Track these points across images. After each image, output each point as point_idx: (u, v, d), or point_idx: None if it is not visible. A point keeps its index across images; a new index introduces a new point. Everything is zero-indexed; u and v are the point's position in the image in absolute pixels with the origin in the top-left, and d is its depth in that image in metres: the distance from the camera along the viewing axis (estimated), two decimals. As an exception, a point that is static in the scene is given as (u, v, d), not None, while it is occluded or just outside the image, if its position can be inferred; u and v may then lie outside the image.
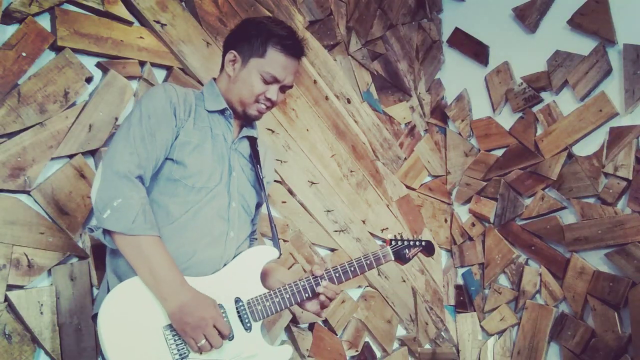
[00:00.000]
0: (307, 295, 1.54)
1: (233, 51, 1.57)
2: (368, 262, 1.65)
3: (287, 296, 1.51)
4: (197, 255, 1.44)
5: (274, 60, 1.53)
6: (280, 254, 1.58)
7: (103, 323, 1.28)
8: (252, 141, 1.67)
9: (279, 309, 1.50)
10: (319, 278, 1.56)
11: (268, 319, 2.25)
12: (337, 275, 1.59)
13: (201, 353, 1.33)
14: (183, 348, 1.33)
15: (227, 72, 1.59)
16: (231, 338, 1.38)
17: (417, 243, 1.79)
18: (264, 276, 1.58)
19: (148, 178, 1.42)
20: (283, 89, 1.60)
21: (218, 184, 1.51)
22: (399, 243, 1.75)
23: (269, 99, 1.56)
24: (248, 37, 1.55)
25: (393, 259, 1.72)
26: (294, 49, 1.57)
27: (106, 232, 1.35)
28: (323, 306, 1.57)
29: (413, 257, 1.78)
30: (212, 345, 1.32)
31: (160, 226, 1.41)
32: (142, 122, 1.41)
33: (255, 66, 1.53)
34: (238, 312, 1.43)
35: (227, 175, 1.54)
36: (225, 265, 1.49)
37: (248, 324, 1.43)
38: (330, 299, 1.56)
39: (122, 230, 1.31)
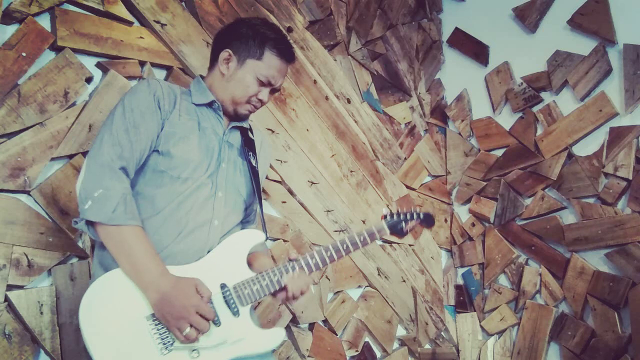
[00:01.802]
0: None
1: (228, 50, 1.58)
2: (362, 238, 1.61)
3: (276, 279, 1.48)
4: (179, 243, 1.43)
5: (271, 64, 1.56)
6: (267, 237, 1.56)
7: (83, 315, 1.27)
8: (244, 132, 1.66)
9: (267, 292, 1.47)
10: (305, 257, 1.54)
11: (267, 318, 2.26)
12: (329, 254, 1.56)
13: (189, 341, 1.32)
14: (167, 337, 1.32)
15: (220, 70, 1.59)
16: (218, 324, 1.37)
17: (415, 215, 1.70)
18: (249, 263, 1.56)
19: (132, 170, 1.42)
20: (272, 91, 1.63)
21: (203, 175, 1.50)
22: (394, 217, 1.68)
23: (260, 100, 1.59)
24: (244, 37, 1.57)
25: (389, 233, 1.66)
26: (288, 53, 1.60)
27: (89, 223, 1.35)
28: (293, 296, 1.51)
29: (411, 230, 1.70)
30: (198, 331, 1.31)
31: (145, 217, 1.41)
32: (125, 115, 1.41)
33: (252, 68, 1.56)
34: (224, 297, 1.41)
35: (215, 166, 1.53)
36: (209, 252, 1.48)
37: (235, 309, 1.41)
38: (294, 295, 1.50)
39: (103, 220, 1.31)
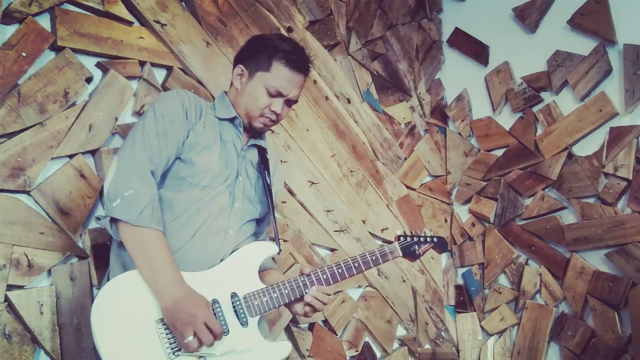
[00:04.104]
0: (307, 291, 1.53)
1: (241, 65, 1.64)
2: (374, 258, 1.63)
3: (286, 292, 1.50)
4: (194, 248, 1.46)
5: (279, 74, 1.58)
6: (280, 250, 1.58)
7: (96, 314, 1.29)
8: (261, 150, 1.70)
9: (276, 305, 1.49)
10: (316, 272, 1.55)
11: (268, 318, 2.25)
12: (340, 271, 1.57)
13: (188, 350, 1.32)
14: (174, 342, 1.33)
15: (234, 86, 1.65)
16: (226, 333, 1.38)
17: (428, 239, 1.75)
18: (261, 279, 1.57)
19: (159, 175, 1.46)
20: (288, 103, 1.64)
21: (222, 185, 1.54)
22: (408, 239, 1.72)
23: (273, 112, 1.61)
24: (255, 52, 1.61)
25: (401, 255, 1.69)
26: (299, 63, 1.61)
27: (113, 221, 1.38)
28: (314, 310, 1.53)
29: (423, 253, 1.74)
30: (201, 342, 1.31)
31: (164, 221, 1.43)
32: (157, 120, 1.46)
33: (261, 79, 1.59)
34: (234, 306, 1.43)
35: (233, 177, 1.57)
36: (222, 260, 1.50)
37: (244, 319, 1.42)
38: (319, 305, 1.52)
39: (129, 220, 1.34)
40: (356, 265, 1.60)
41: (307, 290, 1.52)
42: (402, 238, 1.71)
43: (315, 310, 1.53)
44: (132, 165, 1.39)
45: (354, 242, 2.70)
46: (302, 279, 1.53)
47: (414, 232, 1.75)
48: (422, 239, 1.74)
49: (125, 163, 1.39)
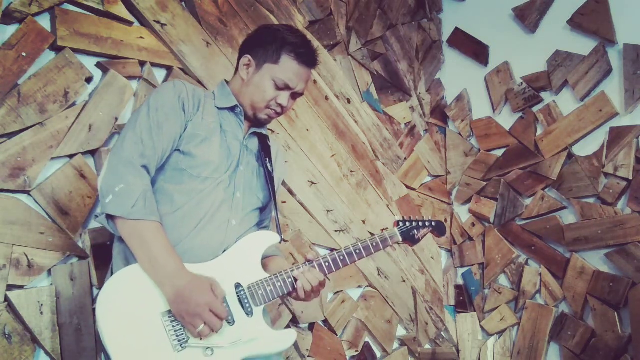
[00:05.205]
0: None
1: (248, 55, 1.61)
2: (374, 243, 1.64)
3: (290, 280, 1.50)
4: (196, 240, 1.46)
5: (287, 68, 1.57)
6: (282, 239, 1.58)
7: (101, 309, 1.29)
8: (262, 138, 1.69)
9: (280, 294, 1.49)
10: (318, 259, 1.54)
11: (270, 316, 2.26)
12: (341, 257, 1.58)
13: (201, 338, 1.33)
14: (182, 334, 1.34)
15: (240, 76, 1.62)
16: (232, 323, 1.39)
17: (427, 223, 1.76)
18: (264, 266, 1.58)
19: (153, 168, 1.44)
20: (294, 95, 1.63)
21: (223, 175, 1.53)
22: (407, 224, 1.73)
23: (279, 105, 1.60)
24: (263, 43, 1.60)
25: (401, 240, 1.70)
26: (307, 57, 1.60)
27: (109, 217, 1.38)
28: (299, 296, 1.51)
29: (423, 237, 1.75)
30: (211, 329, 1.32)
31: (164, 214, 1.43)
32: (150, 114, 1.45)
33: (268, 72, 1.58)
34: (238, 297, 1.43)
35: (233, 167, 1.56)
36: (225, 251, 1.50)
37: (249, 309, 1.43)
38: (308, 286, 1.49)
39: (122, 215, 1.34)
40: (357, 251, 1.61)
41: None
42: (401, 223, 1.72)
43: (305, 292, 1.49)
44: (122, 160, 1.37)
45: (354, 242, 2.69)
46: (304, 265, 1.53)
47: (412, 217, 1.75)
48: (420, 223, 1.75)
49: (115, 158, 1.38)
